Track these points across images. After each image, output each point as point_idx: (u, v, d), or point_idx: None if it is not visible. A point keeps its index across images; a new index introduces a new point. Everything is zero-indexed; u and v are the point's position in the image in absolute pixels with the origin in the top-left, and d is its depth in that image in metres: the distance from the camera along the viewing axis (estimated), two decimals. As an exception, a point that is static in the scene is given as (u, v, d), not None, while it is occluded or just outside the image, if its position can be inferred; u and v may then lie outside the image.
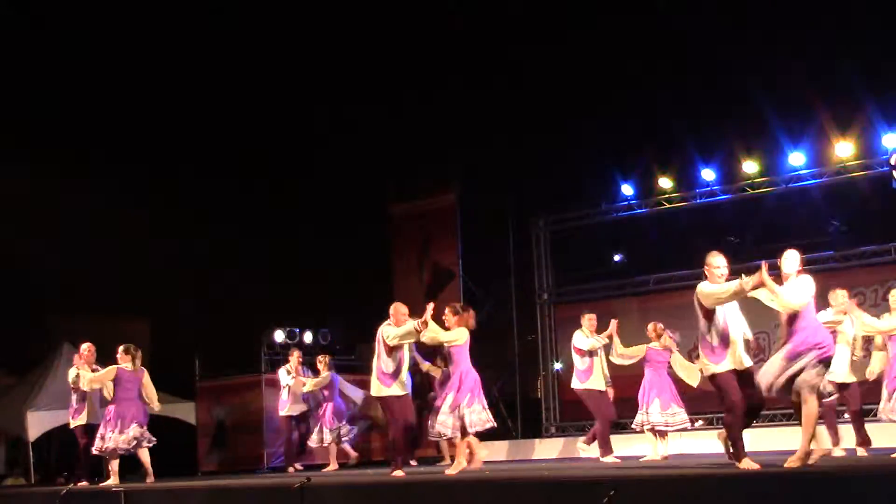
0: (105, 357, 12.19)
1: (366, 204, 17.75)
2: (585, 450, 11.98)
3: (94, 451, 11.70)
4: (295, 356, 13.95)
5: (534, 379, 16.95)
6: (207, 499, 9.78)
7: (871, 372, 10.08)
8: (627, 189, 15.62)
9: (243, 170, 18.18)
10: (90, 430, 12.00)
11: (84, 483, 11.82)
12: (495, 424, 10.02)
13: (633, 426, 11.80)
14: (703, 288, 7.96)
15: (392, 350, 9.92)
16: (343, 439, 13.33)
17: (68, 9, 16.38)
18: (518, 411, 16.44)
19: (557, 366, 16.20)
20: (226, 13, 17.15)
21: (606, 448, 11.60)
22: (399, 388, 9.98)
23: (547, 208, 16.50)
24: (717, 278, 7.95)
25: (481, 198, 16.58)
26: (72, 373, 12.20)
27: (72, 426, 12.43)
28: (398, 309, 10.04)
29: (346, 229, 17.64)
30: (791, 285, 7.86)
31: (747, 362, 7.95)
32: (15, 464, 16.99)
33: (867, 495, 6.10)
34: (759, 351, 10.35)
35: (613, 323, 11.66)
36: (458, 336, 9.71)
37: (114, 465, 11.60)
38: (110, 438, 11.49)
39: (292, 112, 17.91)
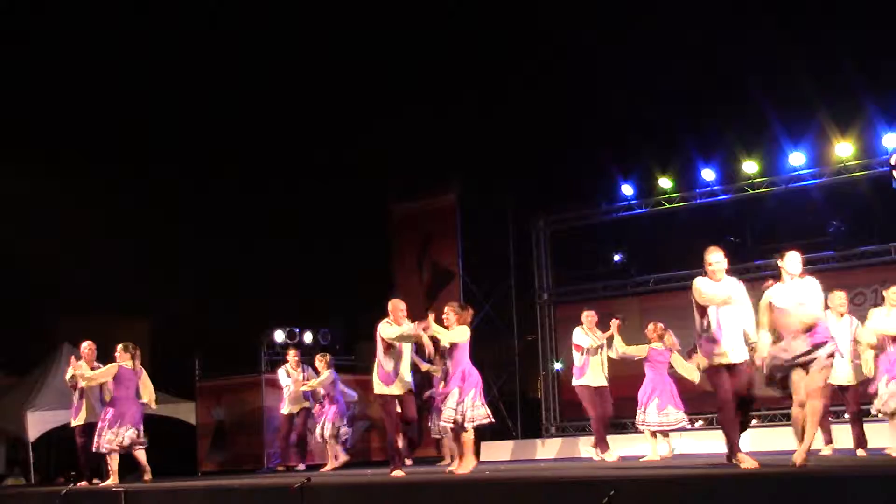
0: (105, 357, 12.19)
1: (366, 204, 17.75)
2: (591, 451, 12.00)
3: (93, 449, 11.69)
4: (291, 355, 13.93)
5: (534, 379, 16.95)
6: (207, 499, 9.77)
7: (870, 369, 10.11)
8: (627, 189, 15.62)
9: (243, 170, 18.20)
10: (88, 429, 11.99)
11: (84, 483, 11.82)
12: (493, 420, 10.03)
13: (635, 424, 11.81)
14: (698, 284, 8.17)
15: (389, 348, 9.88)
16: (339, 439, 13.33)
17: (68, 9, 16.40)
18: (518, 411, 16.43)
19: (557, 365, 16.20)
20: (233, 14, 17.18)
21: (603, 445, 11.59)
22: (398, 388, 9.94)
23: (547, 208, 16.49)
24: (712, 273, 8.10)
25: (481, 198, 16.57)
26: (68, 372, 12.20)
27: (72, 425, 12.44)
28: (396, 305, 10.01)
29: (347, 229, 17.64)
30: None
31: (737, 357, 8.00)
32: (15, 464, 16.99)
33: (867, 495, 6.10)
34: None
35: (615, 322, 11.64)
36: (460, 335, 9.72)
37: (114, 465, 11.59)
38: (109, 436, 11.50)
39: (292, 112, 17.93)
